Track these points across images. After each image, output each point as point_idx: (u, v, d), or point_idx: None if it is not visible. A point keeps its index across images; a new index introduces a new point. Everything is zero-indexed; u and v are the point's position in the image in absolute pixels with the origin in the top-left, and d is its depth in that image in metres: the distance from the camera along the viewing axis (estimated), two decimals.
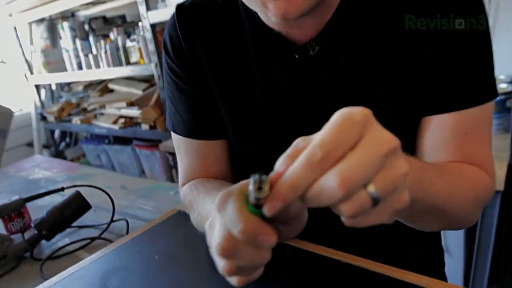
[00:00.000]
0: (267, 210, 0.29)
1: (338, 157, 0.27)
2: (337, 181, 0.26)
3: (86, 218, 0.89)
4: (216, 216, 0.33)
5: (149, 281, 0.55)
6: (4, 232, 0.85)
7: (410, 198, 0.31)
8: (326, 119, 0.29)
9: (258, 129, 0.60)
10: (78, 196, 0.83)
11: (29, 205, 0.89)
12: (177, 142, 0.67)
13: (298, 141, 0.30)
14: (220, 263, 0.32)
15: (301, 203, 0.29)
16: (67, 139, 3.10)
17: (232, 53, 0.59)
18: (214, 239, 0.32)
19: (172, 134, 0.67)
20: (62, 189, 0.87)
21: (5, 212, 0.81)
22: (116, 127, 2.29)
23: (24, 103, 2.99)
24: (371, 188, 0.27)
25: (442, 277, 0.72)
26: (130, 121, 2.27)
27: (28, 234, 0.81)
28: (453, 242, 1.23)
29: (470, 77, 0.51)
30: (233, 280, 0.33)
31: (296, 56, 0.54)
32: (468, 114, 0.51)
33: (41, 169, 1.42)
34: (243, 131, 0.62)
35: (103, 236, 0.82)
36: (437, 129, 0.53)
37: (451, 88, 0.51)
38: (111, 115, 2.36)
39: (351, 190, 0.27)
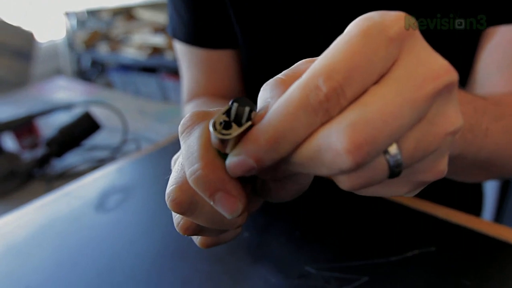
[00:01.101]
0: (228, 166, 0.18)
1: (352, 97, 0.16)
2: (346, 141, 0.16)
3: (100, 140, 0.85)
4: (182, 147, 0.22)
5: (150, 204, 0.50)
6: (16, 148, 0.82)
7: (451, 160, 0.20)
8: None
9: (273, 36, 0.50)
10: (87, 115, 0.79)
11: (41, 124, 0.86)
12: (180, 52, 0.58)
13: (300, 64, 0.20)
14: (174, 217, 0.22)
15: (287, 167, 0.18)
16: (95, 69, 3.09)
17: None
18: (169, 183, 0.21)
19: (175, 44, 0.58)
20: (70, 106, 0.82)
21: (11, 125, 0.77)
22: (142, 56, 2.22)
23: (53, 33, 2.96)
24: (393, 150, 0.17)
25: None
26: (156, 50, 2.20)
27: (38, 152, 0.78)
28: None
29: None
30: (195, 240, 0.24)
31: None
32: None
33: (63, 90, 1.39)
34: (256, 39, 0.51)
35: (113, 157, 0.78)
36: (500, 46, 0.42)
37: None
38: (137, 44, 2.29)
39: (366, 159, 0.16)
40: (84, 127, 0.79)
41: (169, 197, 0.20)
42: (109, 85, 2.84)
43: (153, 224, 0.45)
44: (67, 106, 0.82)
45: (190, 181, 0.19)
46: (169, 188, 0.21)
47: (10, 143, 0.82)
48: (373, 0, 0.41)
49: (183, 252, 0.40)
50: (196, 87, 0.58)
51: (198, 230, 0.22)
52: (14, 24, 1.89)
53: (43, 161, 0.76)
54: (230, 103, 0.19)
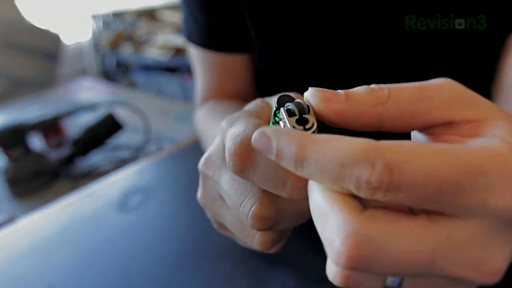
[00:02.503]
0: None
1: (396, 205, 0.15)
2: (345, 248, 0.15)
3: (122, 140, 0.86)
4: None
5: (170, 204, 0.50)
6: (43, 147, 0.85)
7: None
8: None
9: (288, 38, 0.49)
10: (110, 116, 0.81)
11: (66, 124, 0.88)
12: (195, 55, 0.58)
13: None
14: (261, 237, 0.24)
15: None
16: (120, 70, 3.15)
17: None
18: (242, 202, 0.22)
19: (190, 48, 0.58)
20: (94, 107, 0.84)
21: (39, 126, 0.79)
22: (165, 56, 2.25)
23: (79, 35, 3.03)
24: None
25: None
26: (178, 51, 2.22)
27: (64, 151, 0.80)
28: None
29: None
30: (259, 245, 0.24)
31: None
32: None
33: (88, 91, 1.42)
34: (270, 41, 0.50)
35: (136, 157, 0.80)
36: None
37: None
38: (160, 44, 2.33)
39: (354, 270, 0.16)
40: (107, 127, 0.81)
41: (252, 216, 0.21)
42: (132, 85, 2.89)
43: (173, 225, 0.46)
44: (91, 107, 0.84)
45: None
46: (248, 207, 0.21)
47: (37, 142, 0.85)
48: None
49: (202, 253, 0.40)
50: (209, 90, 0.58)
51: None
52: (42, 26, 1.95)
53: (69, 160, 0.78)
54: (282, 105, 0.20)
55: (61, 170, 0.77)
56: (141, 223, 0.47)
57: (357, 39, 0.44)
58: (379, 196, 0.14)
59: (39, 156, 0.77)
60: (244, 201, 0.22)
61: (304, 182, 0.19)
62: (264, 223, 0.21)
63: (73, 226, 0.48)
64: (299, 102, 0.19)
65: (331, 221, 0.15)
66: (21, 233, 0.48)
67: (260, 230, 0.21)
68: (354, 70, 0.47)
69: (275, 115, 0.21)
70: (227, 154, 0.21)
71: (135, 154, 0.80)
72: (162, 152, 0.65)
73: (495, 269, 0.15)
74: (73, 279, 0.39)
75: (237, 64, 0.55)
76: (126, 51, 2.59)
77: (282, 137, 0.17)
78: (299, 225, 0.40)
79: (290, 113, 0.19)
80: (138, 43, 2.56)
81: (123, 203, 0.51)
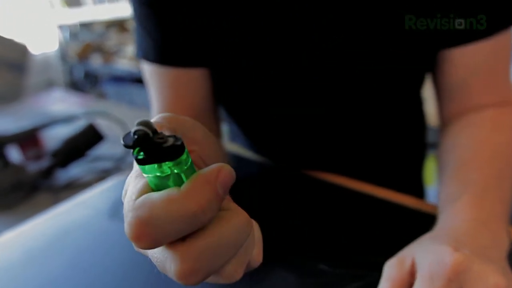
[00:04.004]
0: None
1: None
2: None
3: (102, 151, 0.86)
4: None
5: None
6: (21, 159, 0.83)
7: None
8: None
9: (247, 45, 0.49)
10: (91, 126, 0.80)
11: (44, 136, 0.87)
12: (150, 74, 0.55)
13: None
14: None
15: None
16: (89, 81, 3.09)
17: None
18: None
19: (144, 67, 0.56)
20: (73, 118, 0.83)
21: (17, 138, 0.78)
22: (136, 67, 2.24)
23: (45, 45, 2.96)
24: None
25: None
26: None
27: (43, 163, 0.79)
28: None
29: None
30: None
31: None
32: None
33: (59, 102, 1.40)
34: (232, 50, 0.50)
35: (119, 168, 0.80)
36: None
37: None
38: (130, 55, 2.31)
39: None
40: (88, 138, 0.80)
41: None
42: (102, 96, 2.84)
43: None
44: (70, 118, 0.83)
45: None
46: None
47: (14, 155, 0.83)
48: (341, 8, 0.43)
49: None
50: (165, 110, 0.55)
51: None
52: (7, 36, 1.89)
53: (48, 172, 0.77)
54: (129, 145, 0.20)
55: (41, 182, 0.76)
56: None
57: (352, 39, 0.45)
58: None
59: (17, 169, 0.76)
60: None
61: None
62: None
63: (66, 235, 0.48)
64: (144, 122, 0.19)
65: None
66: (9, 245, 0.48)
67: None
68: (347, 70, 0.48)
69: (135, 157, 0.20)
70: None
71: (117, 165, 0.80)
72: None
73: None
74: (77, 281, 0.39)
75: (194, 78, 0.53)
76: (96, 62, 2.56)
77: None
78: (299, 226, 0.42)
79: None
80: (108, 54, 2.53)
81: (115, 212, 0.51)
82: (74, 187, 0.75)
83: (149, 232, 0.19)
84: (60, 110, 1.31)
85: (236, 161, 0.62)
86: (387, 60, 0.46)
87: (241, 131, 0.64)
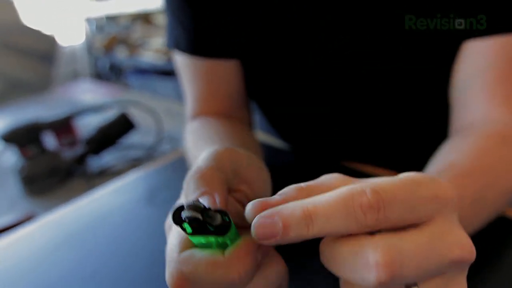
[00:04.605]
0: (256, 226, 0.20)
1: (390, 221, 0.19)
2: (380, 257, 0.18)
3: (134, 140, 0.88)
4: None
5: None
6: (56, 146, 0.86)
7: None
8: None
9: (283, 40, 0.49)
10: (124, 115, 0.82)
11: (77, 124, 0.89)
12: (182, 65, 0.55)
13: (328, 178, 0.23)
14: None
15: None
16: (113, 73, 3.14)
17: None
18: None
19: (176, 58, 0.56)
20: (105, 107, 0.85)
21: (53, 125, 0.81)
22: (160, 60, 2.27)
23: (73, 38, 3.02)
24: None
25: None
26: None
27: (77, 150, 0.81)
28: None
29: None
30: None
31: None
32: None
33: (87, 92, 1.43)
34: (261, 43, 0.50)
35: (150, 156, 0.81)
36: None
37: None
38: (155, 48, 2.34)
39: (390, 282, 0.18)
40: (120, 127, 0.82)
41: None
42: (126, 88, 2.89)
43: None
44: (102, 107, 0.86)
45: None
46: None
47: (50, 142, 0.86)
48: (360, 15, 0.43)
49: None
50: (199, 104, 0.55)
51: None
52: (38, 29, 1.95)
53: (82, 159, 0.80)
54: (177, 221, 0.21)
55: (75, 168, 0.79)
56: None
57: (356, 39, 0.45)
58: (370, 215, 0.18)
59: (53, 155, 0.78)
60: None
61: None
62: None
63: (103, 219, 0.50)
64: (192, 205, 0.20)
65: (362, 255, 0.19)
66: (48, 227, 0.50)
67: None
68: (352, 70, 0.48)
69: (183, 229, 0.21)
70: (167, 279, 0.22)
71: (149, 153, 0.82)
72: (178, 151, 0.67)
73: (470, 243, 0.20)
74: (112, 266, 0.41)
75: (226, 70, 0.53)
76: (121, 54, 2.60)
77: (282, 210, 0.20)
78: None
79: (193, 222, 0.20)
80: (133, 47, 2.56)
81: (152, 197, 0.52)
82: (107, 175, 0.78)
83: (188, 287, 0.21)
84: (89, 99, 1.34)
85: (266, 151, 0.63)
86: (390, 60, 0.46)
87: (268, 122, 0.64)
